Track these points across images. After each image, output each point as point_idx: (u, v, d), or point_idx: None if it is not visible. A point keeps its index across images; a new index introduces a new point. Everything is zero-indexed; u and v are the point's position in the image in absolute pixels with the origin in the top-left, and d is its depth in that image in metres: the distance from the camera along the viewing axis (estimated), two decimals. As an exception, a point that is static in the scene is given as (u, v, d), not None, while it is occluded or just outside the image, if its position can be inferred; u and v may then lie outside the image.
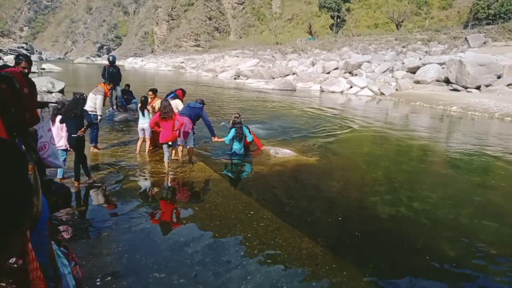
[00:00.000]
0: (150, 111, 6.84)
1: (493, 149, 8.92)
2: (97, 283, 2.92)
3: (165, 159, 5.97)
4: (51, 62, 48.44)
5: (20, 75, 2.05)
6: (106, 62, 10.49)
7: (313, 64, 31.52)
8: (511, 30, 28.40)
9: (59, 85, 14.08)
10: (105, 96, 7.15)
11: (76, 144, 4.94)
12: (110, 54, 11.78)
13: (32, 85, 2.09)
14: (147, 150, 6.94)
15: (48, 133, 2.52)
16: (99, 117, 7.14)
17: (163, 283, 2.98)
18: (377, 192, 5.63)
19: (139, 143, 7.07)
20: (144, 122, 6.88)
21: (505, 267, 3.59)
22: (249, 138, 7.46)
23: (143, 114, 6.86)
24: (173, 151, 6.63)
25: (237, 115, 7.30)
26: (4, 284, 0.69)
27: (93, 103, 7.06)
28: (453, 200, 5.49)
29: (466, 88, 18.49)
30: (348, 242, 4.07)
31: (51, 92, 13.00)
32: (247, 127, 7.61)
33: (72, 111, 4.90)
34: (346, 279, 3.22)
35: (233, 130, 7.16)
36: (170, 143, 6.01)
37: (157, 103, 6.71)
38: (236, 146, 7.26)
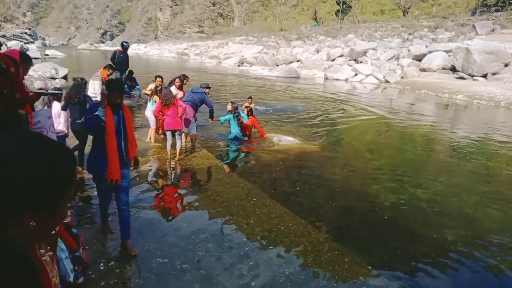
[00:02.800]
0: (155, 100, 6.78)
1: (498, 138, 8.83)
2: (101, 268, 2.96)
3: (168, 147, 5.95)
4: (54, 48, 48.11)
5: (2, 55, 2.01)
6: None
7: (317, 51, 31.13)
8: (520, 17, 27.78)
9: (63, 71, 14.07)
10: (102, 81, 7.09)
11: (80, 130, 4.92)
12: (124, 40, 11.43)
13: (15, 64, 2.02)
14: (149, 137, 6.90)
15: (48, 120, 2.49)
16: None
17: (166, 268, 3.01)
18: (381, 180, 5.61)
19: (149, 130, 7.03)
20: (147, 110, 6.88)
21: (509, 256, 3.58)
22: (245, 119, 7.44)
23: (149, 101, 6.90)
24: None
25: (231, 105, 7.24)
26: (43, 251, 0.74)
27: (93, 88, 7.08)
28: (457, 188, 5.47)
29: (473, 76, 18.22)
30: (350, 230, 4.08)
31: (55, 78, 12.99)
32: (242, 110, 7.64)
33: (76, 96, 4.86)
34: (348, 266, 3.23)
35: (231, 114, 7.21)
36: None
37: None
38: (235, 130, 7.25)
